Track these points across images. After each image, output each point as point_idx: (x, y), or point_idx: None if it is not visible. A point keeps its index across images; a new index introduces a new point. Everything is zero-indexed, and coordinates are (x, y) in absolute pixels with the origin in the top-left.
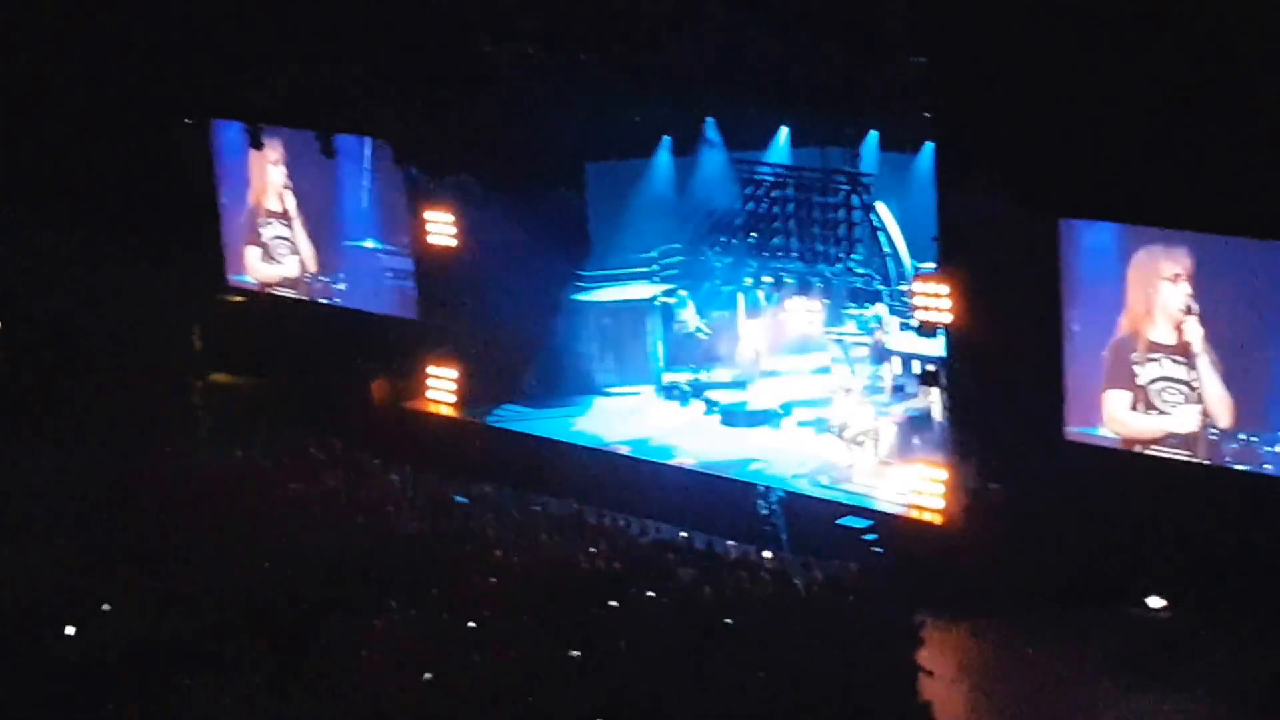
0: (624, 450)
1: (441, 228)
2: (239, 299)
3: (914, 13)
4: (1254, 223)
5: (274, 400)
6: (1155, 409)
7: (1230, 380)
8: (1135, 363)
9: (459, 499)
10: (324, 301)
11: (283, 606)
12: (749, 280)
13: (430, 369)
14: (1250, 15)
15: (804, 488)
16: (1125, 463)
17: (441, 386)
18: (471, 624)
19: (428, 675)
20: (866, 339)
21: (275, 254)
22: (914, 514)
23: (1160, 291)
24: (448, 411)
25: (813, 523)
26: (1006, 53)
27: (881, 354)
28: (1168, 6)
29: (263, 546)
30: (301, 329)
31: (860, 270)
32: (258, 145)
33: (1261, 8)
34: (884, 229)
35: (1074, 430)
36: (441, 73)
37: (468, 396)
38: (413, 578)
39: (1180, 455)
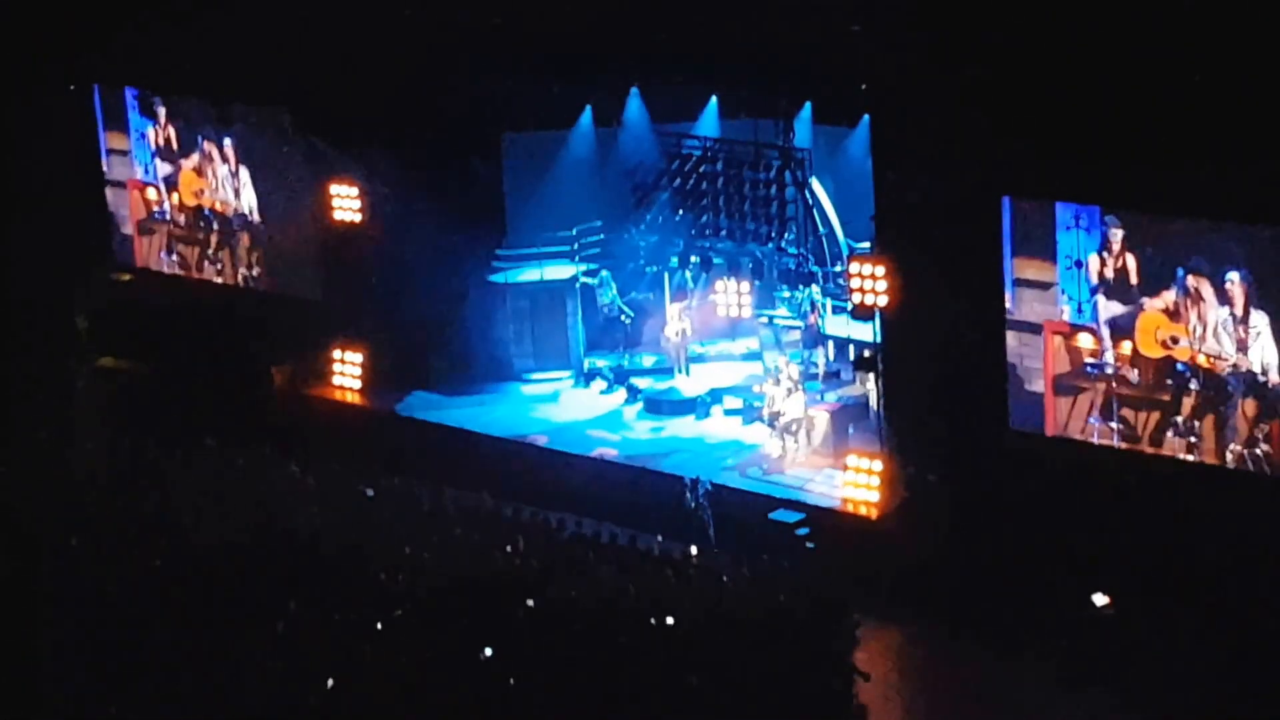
0: (542, 440)
1: (347, 202)
2: (127, 278)
3: None
4: (1193, 203)
5: (166, 387)
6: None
7: None
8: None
9: (365, 492)
10: (220, 281)
11: (174, 608)
12: (675, 260)
13: (335, 353)
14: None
15: (733, 480)
16: (1070, 454)
17: (347, 372)
18: (378, 625)
19: (330, 681)
20: (799, 323)
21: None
22: (849, 508)
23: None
24: (354, 399)
25: (742, 517)
26: (947, 21)
27: (815, 339)
28: None
29: (152, 544)
30: (196, 310)
31: (793, 250)
32: (149, 114)
33: None
34: (818, 206)
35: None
36: (345, 36)
37: (375, 383)
38: (315, 576)
39: (1126, 446)
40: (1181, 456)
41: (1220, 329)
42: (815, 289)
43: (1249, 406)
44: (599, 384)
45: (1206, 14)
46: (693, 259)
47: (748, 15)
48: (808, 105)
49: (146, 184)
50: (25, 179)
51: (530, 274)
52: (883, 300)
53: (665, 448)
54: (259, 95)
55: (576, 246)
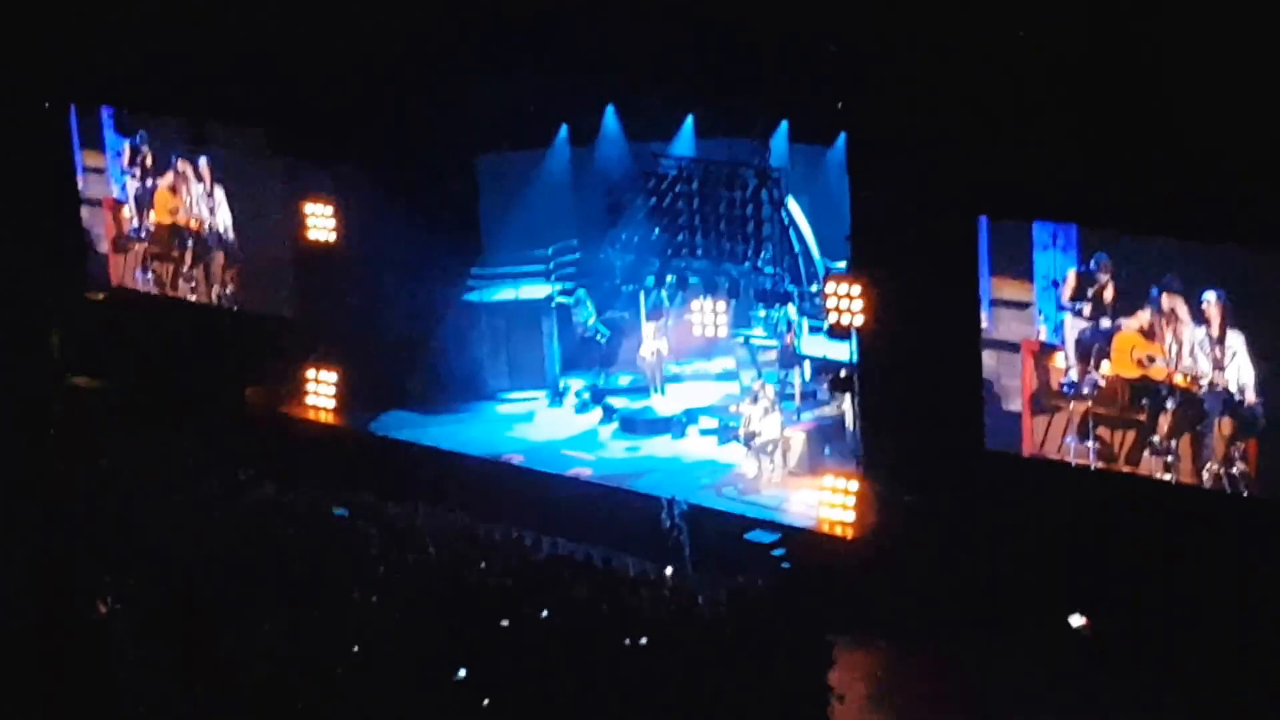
0: (517, 459)
1: (321, 221)
2: (101, 296)
3: None
4: (1170, 222)
5: (140, 405)
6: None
7: None
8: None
9: (338, 511)
10: (194, 299)
11: (149, 626)
12: (651, 279)
13: (310, 372)
14: (1164, 17)
15: (708, 500)
16: (1047, 474)
17: (321, 391)
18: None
19: (304, 700)
20: (775, 342)
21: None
22: (825, 528)
23: None
24: (327, 418)
25: (718, 537)
26: (924, 39)
27: (791, 358)
28: (1089, 3)
29: (127, 562)
30: (171, 329)
31: (769, 269)
32: (124, 132)
33: (1174, 9)
34: (794, 226)
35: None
36: (320, 55)
37: (349, 402)
38: (288, 595)
39: (1103, 465)
40: (1158, 476)
41: (1197, 348)
42: (791, 308)
43: (1225, 426)
44: (572, 398)
45: (1182, 35)
46: (669, 278)
47: (724, 34)
48: (784, 124)
49: (121, 202)
50: (0, 197)
51: (506, 293)
52: (859, 320)
53: (641, 467)
54: (234, 114)
55: (552, 265)
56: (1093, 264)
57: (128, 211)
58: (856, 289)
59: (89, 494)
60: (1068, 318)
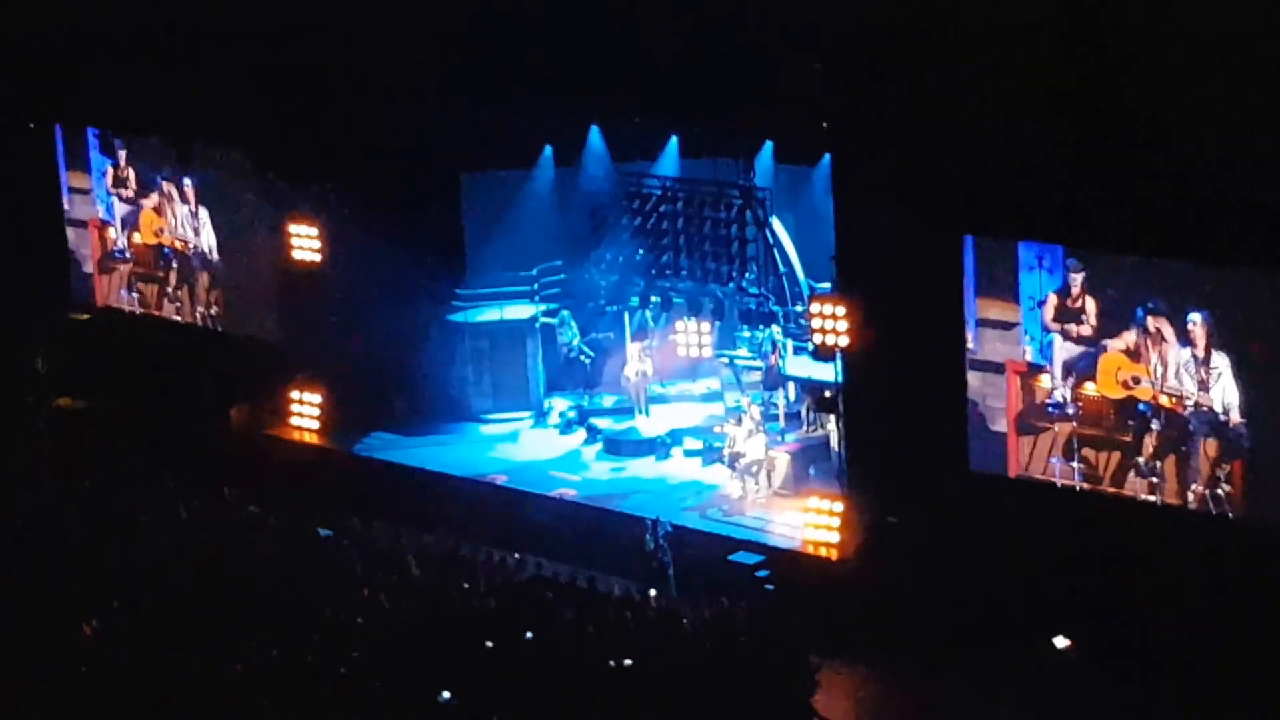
0: (501, 480)
1: (306, 242)
2: (86, 317)
3: (811, 16)
4: (1155, 242)
5: (124, 426)
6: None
7: None
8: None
9: (322, 532)
10: (179, 319)
11: (131, 647)
12: (635, 300)
13: (294, 393)
14: (1149, 39)
15: (693, 521)
16: (1032, 494)
17: (305, 412)
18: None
19: None
20: (760, 363)
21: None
22: (809, 549)
23: None
24: (312, 438)
25: (702, 559)
26: (908, 59)
27: (776, 379)
28: (1073, 25)
29: (109, 583)
30: (155, 350)
31: (754, 290)
32: (109, 153)
33: (1159, 30)
34: (779, 246)
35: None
36: (305, 76)
37: (334, 423)
38: (273, 617)
39: (1088, 486)
40: (1143, 497)
41: (1182, 369)
42: (776, 329)
43: (1210, 447)
44: (556, 418)
45: (1168, 57)
46: (653, 299)
47: (708, 54)
48: (768, 144)
49: (107, 223)
50: None
51: (490, 314)
52: (844, 340)
53: (625, 488)
54: (219, 135)
55: (537, 286)
56: (1075, 284)
57: (113, 232)
58: (841, 309)
59: (74, 515)
60: (1056, 338)
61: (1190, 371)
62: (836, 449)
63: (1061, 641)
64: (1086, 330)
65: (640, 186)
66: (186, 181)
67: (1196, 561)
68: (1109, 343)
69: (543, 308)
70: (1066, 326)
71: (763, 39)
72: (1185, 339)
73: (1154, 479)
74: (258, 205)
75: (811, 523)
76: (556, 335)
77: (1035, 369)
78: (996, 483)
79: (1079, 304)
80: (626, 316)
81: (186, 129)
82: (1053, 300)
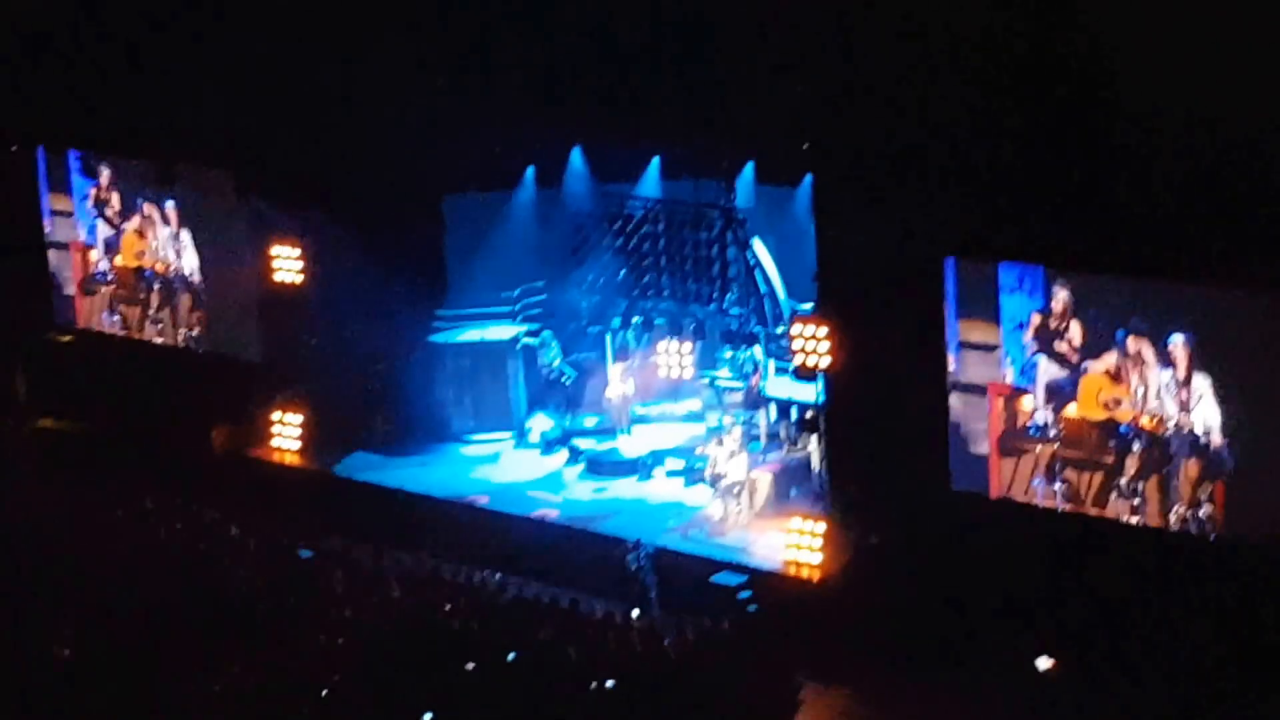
0: (483, 501)
1: (288, 263)
2: (67, 338)
3: (793, 37)
4: (1137, 263)
5: (105, 447)
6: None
7: None
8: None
9: (303, 553)
10: (161, 341)
11: (112, 669)
12: (617, 320)
13: (275, 414)
14: (1130, 61)
15: (675, 543)
16: (1014, 515)
17: (287, 433)
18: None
19: None
20: (741, 384)
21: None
22: (791, 570)
23: None
24: (293, 459)
25: (684, 579)
26: (889, 81)
27: (757, 400)
28: (1053, 45)
29: (91, 604)
30: (136, 372)
31: (735, 311)
32: (91, 175)
33: (1139, 51)
34: (760, 267)
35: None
36: (287, 97)
37: (315, 444)
38: (254, 638)
39: (1070, 507)
40: (1125, 518)
41: (1163, 391)
42: (758, 350)
43: (1192, 468)
44: (538, 439)
45: (1149, 77)
46: (635, 319)
47: (690, 75)
48: (750, 165)
49: (89, 245)
50: None
51: (471, 334)
52: (825, 361)
53: (607, 509)
54: (201, 156)
55: (518, 307)
56: (1059, 304)
57: (94, 254)
58: (823, 330)
59: (52, 536)
60: (1041, 360)
61: (1171, 393)
62: (818, 470)
63: (1044, 662)
64: (1070, 351)
65: (622, 207)
66: (169, 203)
67: (1178, 582)
68: (1090, 364)
69: (524, 328)
70: (1050, 347)
71: (745, 60)
72: (1166, 360)
73: (1136, 500)
74: (240, 227)
75: (793, 543)
76: (538, 356)
77: (1018, 391)
78: (978, 504)
79: (1063, 325)
80: (608, 337)
81: (169, 151)
82: (1036, 320)
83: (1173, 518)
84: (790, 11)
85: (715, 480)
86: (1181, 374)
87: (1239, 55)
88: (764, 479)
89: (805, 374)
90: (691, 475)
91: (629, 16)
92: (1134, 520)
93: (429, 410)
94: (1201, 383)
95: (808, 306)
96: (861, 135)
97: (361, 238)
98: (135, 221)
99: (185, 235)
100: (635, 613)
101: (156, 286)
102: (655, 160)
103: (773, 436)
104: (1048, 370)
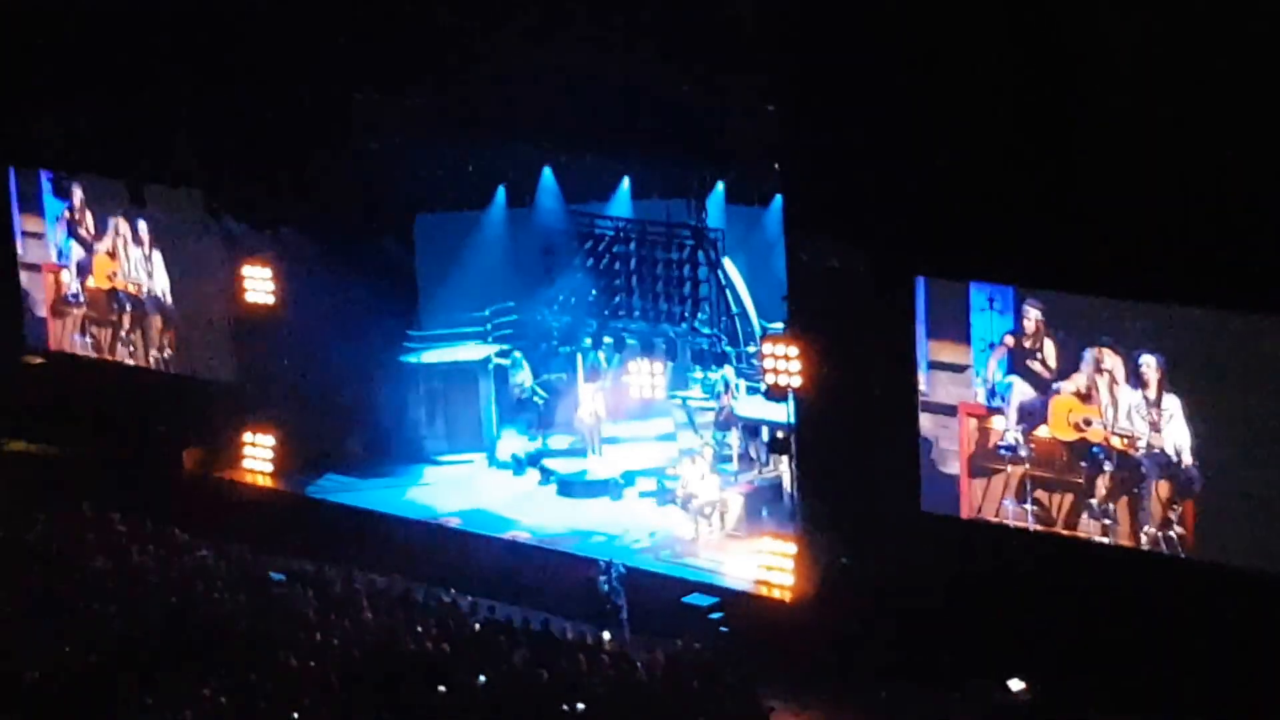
0: (454, 522)
1: (259, 284)
2: (39, 361)
3: (764, 57)
4: (1108, 283)
5: (76, 469)
6: None
7: None
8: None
9: (274, 576)
10: (132, 363)
11: (81, 692)
12: (588, 341)
13: (246, 435)
14: (1101, 79)
15: (646, 563)
16: (985, 536)
17: (258, 454)
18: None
19: None
20: (713, 404)
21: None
22: (762, 591)
23: None
24: (265, 481)
25: (655, 600)
26: (861, 101)
27: (728, 420)
28: (1024, 64)
29: (61, 628)
30: (108, 393)
31: (706, 330)
32: (63, 196)
33: (1111, 70)
34: (731, 287)
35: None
36: (258, 118)
37: (287, 465)
38: (226, 661)
39: (1041, 528)
40: (1096, 539)
41: (1133, 411)
42: (729, 369)
43: (1162, 488)
44: (509, 459)
45: (1120, 96)
46: (606, 339)
47: (660, 95)
48: (720, 185)
49: (60, 266)
50: None
51: (443, 354)
52: (796, 381)
53: (578, 530)
54: (173, 177)
55: (489, 327)
56: (1030, 323)
57: (66, 276)
58: (793, 350)
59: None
60: (1015, 380)
61: (1142, 413)
62: (789, 490)
63: (1016, 684)
64: (1044, 371)
65: (593, 227)
66: (140, 224)
67: (1149, 602)
68: (1061, 385)
69: (496, 348)
70: (1025, 367)
71: (714, 80)
72: (1137, 380)
73: (1107, 521)
74: (212, 247)
75: (765, 564)
76: (509, 376)
77: (988, 411)
78: (949, 524)
79: (1037, 345)
80: (579, 357)
81: (140, 171)
82: (1010, 341)
83: (1144, 538)
84: (759, 32)
85: (687, 501)
86: (1152, 394)
87: (1209, 78)
88: (735, 499)
89: (776, 394)
90: (663, 496)
91: (599, 37)
92: (1105, 540)
93: (401, 431)
94: (1171, 403)
95: (778, 326)
96: (831, 155)
97: (333, 258)
98: (107, 242)
99: (157, 256)
100: (606, 634)
101: (128, 308)
102: (625, 180)
103: (744, 457)
104: (1022, 391)
